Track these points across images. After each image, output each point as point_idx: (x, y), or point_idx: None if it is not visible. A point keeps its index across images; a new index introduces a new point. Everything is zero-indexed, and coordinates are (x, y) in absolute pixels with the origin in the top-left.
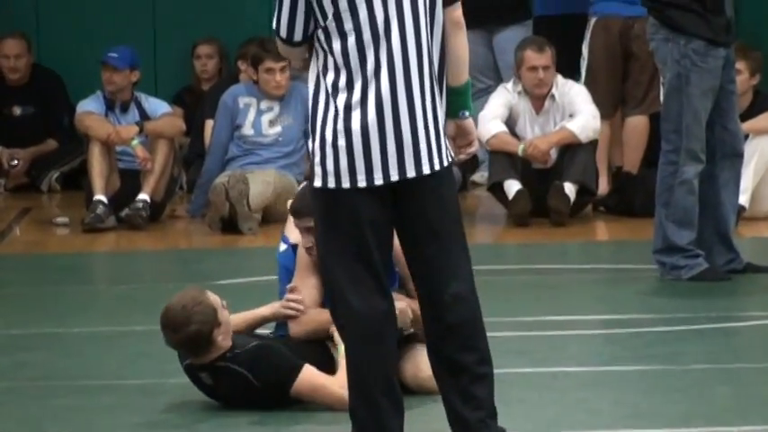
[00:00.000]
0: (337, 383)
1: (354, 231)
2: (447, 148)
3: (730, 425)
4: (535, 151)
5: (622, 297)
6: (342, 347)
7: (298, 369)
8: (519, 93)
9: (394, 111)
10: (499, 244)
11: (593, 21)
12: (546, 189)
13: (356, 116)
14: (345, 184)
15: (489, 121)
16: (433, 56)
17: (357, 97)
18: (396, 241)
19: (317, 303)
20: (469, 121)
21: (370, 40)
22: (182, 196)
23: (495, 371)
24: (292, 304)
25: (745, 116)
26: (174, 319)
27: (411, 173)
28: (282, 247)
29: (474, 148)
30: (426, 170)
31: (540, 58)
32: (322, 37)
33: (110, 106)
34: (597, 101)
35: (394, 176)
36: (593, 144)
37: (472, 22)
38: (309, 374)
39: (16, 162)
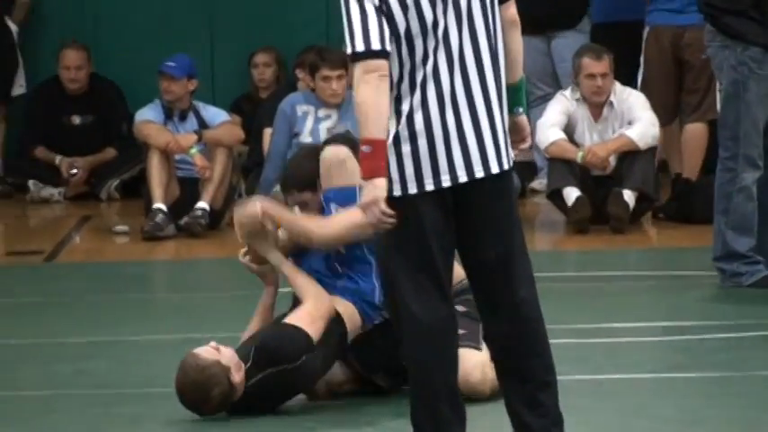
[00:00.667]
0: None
1: (420, 240)
2: (510, 148)
3: None
4: (594, 158)
5: (682, 304)
6: None
7: (299, 328)
8: (577, 100)
9: (454, 111)
10: (558, 251)
11: (646, 31)
12: (605, 196)
13: (419, 119)
14: (412, 189)
15: (548, 129)
16: (498, 54)
17: (418, 99)
18: None
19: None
20: (524, 117)
21: (428, 39)
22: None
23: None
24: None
25: None
26: (197, 398)
27: (479, 173)
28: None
29: (527, 143)
30: (495, 169)
31: (597, 65)
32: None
33: (168, 115)
34: (653, 110)
35: (462, 177)
36: (651, 151)
37: (530, 28)
38: (306, 320)
39: (76, 171)
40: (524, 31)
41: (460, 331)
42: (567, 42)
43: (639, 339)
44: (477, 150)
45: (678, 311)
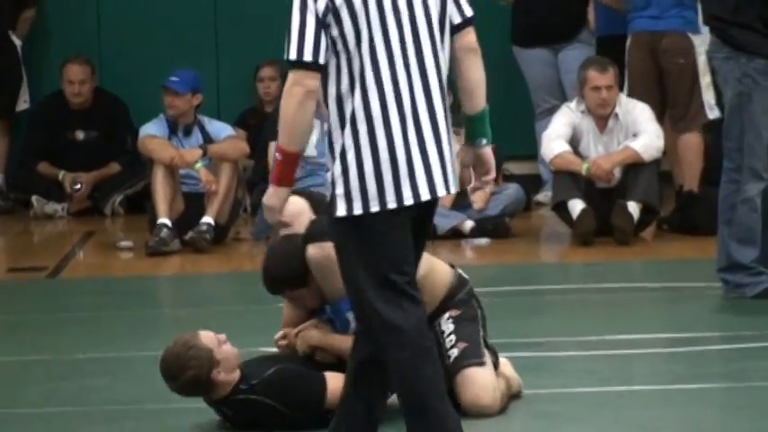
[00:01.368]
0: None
1: (382, 252)
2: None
3: None
4: (599, 171)
5: (687, 315)
6: None
7: (323, 383)
8: (582, 112)
9: (417, 130)
10: (563, 263)
11: (629, 40)
12: (609, 208)
13: (381, 136)
14: (374, 207)
15: (553, 141)
16: (443, 81)
17: (378, 118)
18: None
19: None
20: (487, 150)
21: (389, 57)
22: (246, 219)
23: (562, 390)
24: None
25: None
26: (170, 369)
27: (441, 191)
28: None
29: (492, 176)
30: (453, 190)
31: (602, 77)
32: (343, 59)
33: (173, 129)
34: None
35: (425, 196)
36: (656, 163)
37: (537, 40)
38: (334, 383)
39: (79, 186)
40: (532, 44)
41: (461, 345)
42: (573, 54)
43: (644, 351)
44: (440, 169)
45: (682, 323)
